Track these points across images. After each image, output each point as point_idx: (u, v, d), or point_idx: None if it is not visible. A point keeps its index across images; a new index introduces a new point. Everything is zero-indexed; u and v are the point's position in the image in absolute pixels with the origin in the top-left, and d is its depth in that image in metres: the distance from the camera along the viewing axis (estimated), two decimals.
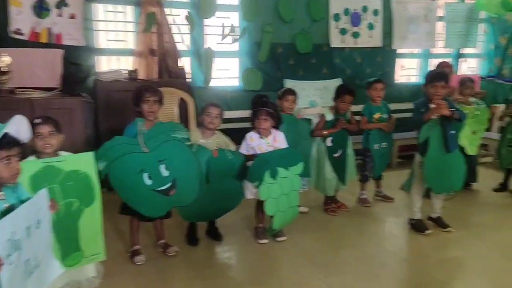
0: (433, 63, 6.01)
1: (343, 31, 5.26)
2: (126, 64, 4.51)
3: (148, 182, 2.60)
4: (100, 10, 4.36)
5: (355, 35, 5.33)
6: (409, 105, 5.22)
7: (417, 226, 3.36)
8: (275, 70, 5.06)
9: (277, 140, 3.15)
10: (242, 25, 4.78)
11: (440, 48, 5.93)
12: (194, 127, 4.13)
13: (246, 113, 4.70)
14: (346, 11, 5.23)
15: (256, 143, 3.10)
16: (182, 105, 4.26)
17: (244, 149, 3.11)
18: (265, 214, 3.17)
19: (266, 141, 3.11)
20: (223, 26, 4.67)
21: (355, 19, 5.30)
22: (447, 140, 3.12)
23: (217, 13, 4.65)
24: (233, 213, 3.19)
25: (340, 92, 3.67)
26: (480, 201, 4.08)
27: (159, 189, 2.63)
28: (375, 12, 5.37)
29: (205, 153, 2.90)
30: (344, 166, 3.68)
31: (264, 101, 3.10)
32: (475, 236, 3.29)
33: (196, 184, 2.79)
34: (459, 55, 6.09)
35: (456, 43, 5.93)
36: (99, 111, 4.07)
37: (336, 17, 5.20)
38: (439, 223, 3.41)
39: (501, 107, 4.82)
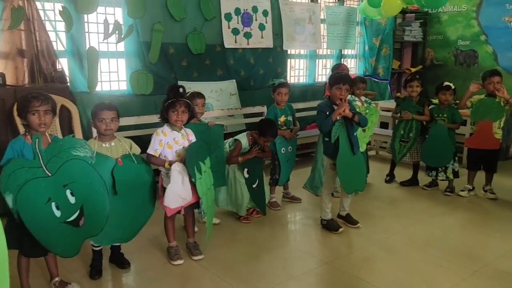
0: (319, 64, 6.29)
1: (235, 31, 5.13)
2: None
3: (57, 213, 2.21)
4: None
5: (247, 35, 5.24)
6: (301, 105, 5.46)
7: (329, 226, 3.38)
8: (167, 72, 4.71)
9: (189, 133, 2.87)
10: (128, 22, 4.34)
11: (324, 49, 6.18)
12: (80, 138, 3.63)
13: (136, 120, 4.34)
14: (237, 11, 5.12)
15: (170, 137, 2.78)
16: (64, 113, 3.68)
17: (152, 149, 2.75)
18: (174, 230, 2.90)
19: (181, 134, 2.81)
20: (106, 23, 4.16)
21: (246, 19, 5.22)
22: (352, 142, 3.19)
23: (99, 9, 4.13)
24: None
25: (275, 88, 3.73)
26: (376, 194, 4.30)
27: (69, 220, 2.24)
28: (265, 13, 5.36)
29: (108, 162, 2.49)
30: (262, 195, 3.61)
31: (182, 91, 2.78)
32: (382, 229, 3.42)
33: (105, 207, 2.42)
34: (340, 56, 6.42)
35: (337, 44, 6.24)
36: None
37: (228, 16, 5.05)
38: (349, 220, 3.48)
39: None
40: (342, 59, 6.47)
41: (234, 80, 5.20)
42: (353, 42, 6.45)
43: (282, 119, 3.80)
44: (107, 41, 4.26)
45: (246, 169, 3.49)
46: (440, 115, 4.15)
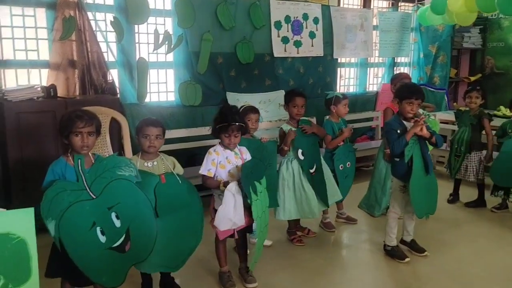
0: (371, 73, 5.99)
1: (285, 40, 4.94)
2: (39, 78, 3.71)
3: (102, 239, 2.07)
4: (4, 14, 3.52)
5: (297, 44, 5.04)
6: (350, 116, 5.19)
7: (394, 253, 3.10)
8: (215, 83, 4.57)
9: (243, 151, 2.69)
10: (177, 32, 4.23)
11: (376, 57, 5.88)
12: (130, 153, 3.52)
13: (185, 132, 4.22)
14: (287, 19, 4.92)
15: (223, 156, 2.61)
16: (114, 126, 3.59)
17: (205, 169, 2.58)
18: (226, 254, 2.72)
19: (234, 153, 2.64)
20: (156, 33, 4.06)
21: (297, 27, 5.01)
22: (426, 161, 2.91)
23: (149, 19, 4.03)
24: None
25: (290, 96, 3.33)
26: (438, 215, 3.88)
27: (114, 246, 2.10)
28: (315, 20, 5.14)
29: (151, 180, 2.33)
30: (323, 184, 3.29)
31: (234, 113, 2.61)
32: (453, 258, 3.10)
33: (152, 230, 2.28)
34: (393, 64, 6.10)
35: (389, 52, 5.92)
36: (7, 138, 3.25)
37: (278, 25, 4.87)
38: (414, 247, 3.18)
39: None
40: (395, 68, 6.14)
41: (282, 91, 4.98)
42: (407, 49, 6.10)
43: (340, 131, 3.55)
44: (157, 51, 4.17)
45: (300, 150, 3.21)
46: None
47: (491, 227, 3.70)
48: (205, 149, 4.32)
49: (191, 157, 4.29)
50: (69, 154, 2.19)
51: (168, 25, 4.25)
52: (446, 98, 6.22)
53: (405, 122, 2.98)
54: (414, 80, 6.28)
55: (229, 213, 2.48)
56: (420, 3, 6.01)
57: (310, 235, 3.45)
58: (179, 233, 2.41)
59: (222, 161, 2.59)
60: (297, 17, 4.99)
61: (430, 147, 3.31)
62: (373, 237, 3.45)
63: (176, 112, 4.35)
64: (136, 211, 2.24)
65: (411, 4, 6.13)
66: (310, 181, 3.25)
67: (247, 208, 2.51)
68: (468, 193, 4.25)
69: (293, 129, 3.25)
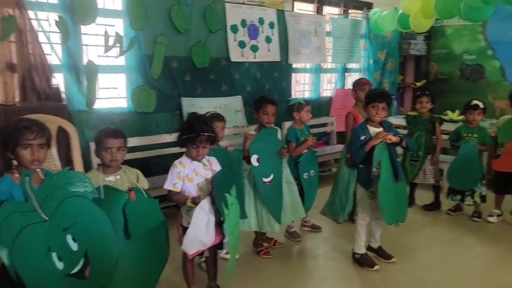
0: (325, 79, 6.02)
1: (241, 44, 4.81)
2: None
3: (60, 265, 1.82)
4: None
5: (254, 48, 4.93)
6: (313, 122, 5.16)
7: (363, 261, 3.06)
8: (170, 88, 4.34)
9: (212, 162, 2.51)
10: (129, 34, 3.96)
11: (329, 63, 5.91)
12: (80, 166, 3.22)
13: (138, 141, 3.95)
14: (244, 23, 4.80)
15: (190, 169, 2.41)
16: (61, 136, 3.26)
17: (170, 183, 2.37)
18: (194, 274, 2.54)
19: (203, 164, 2.45)
20: (106, 35, 3.77)
21: (253, 32, 4.90)
22: (396, 168, 2.89)
23: (98, 19, 3.73)
24: None
25: (260, 103, 3.18)
26: None
27: (73, 272, 1.85)
28: (271, 25, 5.06)
29: (120, 197, 2.09)
30: (278, 196, 3.17)
31: (203, 122, 2.42)
32: (420, 264, 3.11)
33: (112, 250, 2.04)
34: (345, 70, 6.17)
35: (342, 58, 5.98)
36: None
37: (234, 28, 4.73)
38: (382, 254, 3.17)
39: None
40: (346, 73, 6.22)
41: (240, 96, 4.86)
42: (357, 55, 6.20)
43: (303, 139, 3.47)
44: (107, 54, 3.87)
45: (255, 156, 3.03)
46: (470, 135, 3.89)
47: (449, 230, 3.79)
48: (161, 159, 4.20)
49: (145, 167, 4.01)
50: (14, 170, 1.92)
51: (119, 26, 3.97)
52: (396, 103, 6.39)
53: (371, 128, 2.96)
54: None
55: (200, 235, 2.31)
56: (369, 10, 6.14)
57: (276, 246, 3.34)
58: (147, 255, 2.19)
59: (190, 174, 2.40)
60: (253, 21, 4.89)
61: None
62: (340, 245, 3.41)
63: (128, 119, 4.07)
64: (94, 231, 1.99)
65: (360, 12, 6.24)
66: (263, 191, 3.08)
67: (219, 224, 2.34)
68: (423, 196, 4.35)
69: (251, 133, 3.13)
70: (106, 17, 3.90)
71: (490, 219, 3.92)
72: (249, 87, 4.96)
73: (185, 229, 2.38)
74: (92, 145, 3.63)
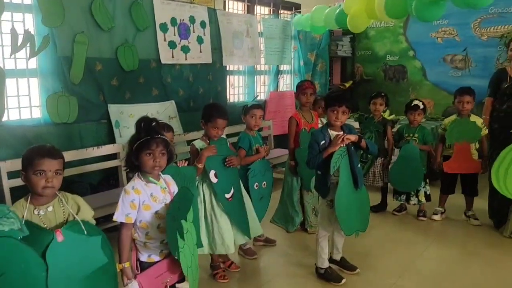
0: (260, 80, 5.80)
1: (172, 45, 4.39)
2: None
3: None
4: None
5: (185, 49, 4.54)
6: (241, 127, 4.90)
7: (328, 276, 2.85)
8: (94, 94, 3.80)
9: (169, 182, 2.12)
10: (42, 32, 3.37)
11: (262, 65, 5.71)
12: None
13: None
14: (173, 21, 4.39)
15: (146, 194, 1.99)
16: None
17: (121, 214, 1.94)
18: None
19: (160, 186, 2.04)
20: (13, 32, 3.15)
21: (184, 31, 4.51)
22: (355, 175, 2.72)
23: (4, 15, 3.10)
24: None
25: (209, 116, 2.82)
26: None
27: None
28: (203, 24, 4.71)
29: (42, 238, 1.64)
30: (242, 210, 2.89)
31: (156, 126, 2.00)
32: (384, 272, 2.99)
33: None
34: (278, 72, 6.01)
35: (274, 59, 5.81)
36: None
37: (163, 27, 4.30)
38: (345, 265, 2.99)
39: None
40: (279, 76, 6.07)
41: (173, 101, 4.44)
42: (288, 57, 6.08)
43: (256, 148, 3.20)
44: (15, 56, 3.25)
45: (213, 171, 2.75)
46: (411, 135, 3.91)
47: (399, 231, 3.76)
48: (86, 177, 3.64)
49: (67, 187, 3.44)
50: None
51: (29, 22, 3.36)
52: None
53: (332, 133, 2.77)
54: (294, 88, 6.30)
55: None
56: (298, 11, 6.06)
57: (232, 269, 3.00)
58: None
59: (146, 200, 1.98)
60: (183, 19, 4.50)
61: None
62: (300, 259, 3.18)
63: (45, 131, 3.48)
64: (28, 280, 1.56)
65: (289, 12, 6.14)
66: (226, 208, 2.81)
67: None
68: (370, 198, 4.28)
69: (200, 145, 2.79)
70: (14, 12, 3.27)
71: (435, 217, 3.97)
72: (182, 91, 4.56)
73: (143, 265, 1.97)
74: (2, 166, 3.04)
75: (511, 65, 3.88)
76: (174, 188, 2.10)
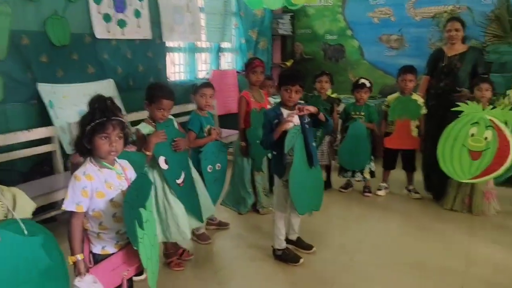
0: (200, 58, 5.57)
1: (106, 18, 4.04)
2: None
3: None
4: None
5: (121, 23, 4.20)
6: (187, 108, 4.71)
7: (286, 257, 2.82)
8: (21, 71, 3.39)
9: (126, 167, 1.93)
10: None
11: (204, 42, 5.48)
12: None
13: None
14: None
15: (100, 180, 1.79)
16: None
17: (71, 202, 1.73)
18: None
19: (116, 171, 1.85)
20: None
21: (119, 3, 4.16)
22: (310, 153, 2.68)
23: None
24: None
25: (154, 96, 2.60)
26: None
27: None
28: None
29: None
30: (194, 194, 2.75)
31: (110, 104, 1.79)
32: (339, 249, 3.02)
33: None
34: (219, 49, 5.82)
35: (216, 37, 5.60)
36: None
37: None
38: (301, 244, 2.98)
39: None
40: (220, 53, 5.89)
41: (111, 80, 4.12)
42: (229, 34, 5.89)
43: (208, 128, 3.05)
44: None
45: (162, 158, 2.58)
46: (358, 113, 3.96)
47: (348, 208, 3.83)
48: (15, 164, 3.28)
49: None
50: None
51: None
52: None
53: (285, 112, 2.70)
54: (238, 66, 6.18)
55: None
56: None
57: (185, 257, 2.86)
58: None
59: (99, 187, 1.78)
60: None
61: None
62: (255, 241, 3.13)
63: None
64: None
65: None
66: (178, 194, 2.66)
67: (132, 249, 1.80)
68: None
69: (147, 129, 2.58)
70: None
71: (379, 192, 4.10)
72: (120, 69, 4.24)
73: (96, 258, 1.79)
74: None
75: (447, 45, 4.04)
76: (131, 174, 1.91)
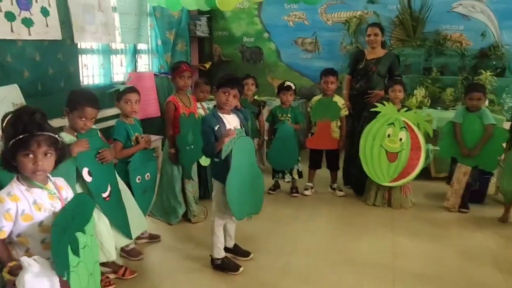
0: (116, 61, 5.25)
1: (10, 16, 3.62)
2: None
3: None
4: None
5: (27, 22, 3.79)
6: (104, 113, 4.39)
7: (226, 266, 2.76)
8: None
9: (60, 186, 1.72)
10: None
11: (119, 43, 5.18)
12: None
13: None
14: None
15: (27, 201, 1.58)
16: None
17: None
18: None
19: (48, 191, 1.64)
20: None
21: (24, 0, 3.76)
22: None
23: None
24: None
25: (76, 103, 2.40)
26: None
27: None
28: None
29: None
30: (121, 209, 2.57)
31: (39, 118, 1.59)
32: (275, 253, 3.02)
33: None
34: (135, 51, 5.54)
35: (131, 37, 5.33)
36: None
37: None
38: (239, 251, 2.94)
39: None
40: (137, 55, 5.62)
41: (16, 85, 3.68)
42: (145, 35, 5.65)
43: (135, 137, 2.86)
44: None
45: (86, 169, 2.40)
46: (284, 115, 4.02)
47: (278, 210, 3.86)
48: None
49: None
50: None
51: None
52: None
53: (223, 116, 2.65)
54: (154, 68, 5.95)
55: None
56: None
57: (128, 276, 2.65)
58: None
59: (27, 209, 1.56)
60: None
61: None
62: (190, 252, 3.01)
63: None
64: None
65: None
66: (104, 209, 2.47)
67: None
68: None
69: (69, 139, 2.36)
70: None
71: (306, 192, 4.20)
72: (27, 72, 3.82)
73: None
74: None
75: (368, 49, 4.26)
76: (68, 194, 1.71)
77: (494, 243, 3.22)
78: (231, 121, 2.64)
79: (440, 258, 2.98)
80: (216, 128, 2.58)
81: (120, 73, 5.34)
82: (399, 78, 4.04)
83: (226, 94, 2.60)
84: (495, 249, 3.13)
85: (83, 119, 2.39)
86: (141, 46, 5.66)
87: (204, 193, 3.77)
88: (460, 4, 5.73)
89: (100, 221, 2.37)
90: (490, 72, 5.00)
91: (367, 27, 4.36)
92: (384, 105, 3.71)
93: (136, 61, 5.59)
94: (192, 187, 3.51)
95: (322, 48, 6.39)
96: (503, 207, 3.68)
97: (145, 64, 5.83)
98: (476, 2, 5.64)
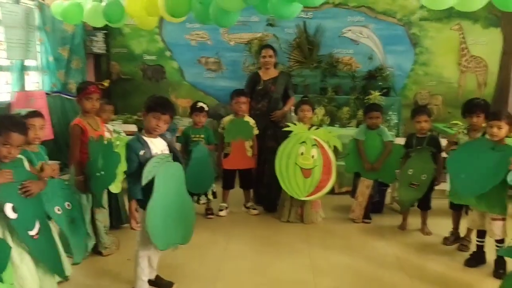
0: (1, 79, 4.67)
1: None
2: None
3: None
4: None
5: None
6: None
7: None
8: None
9: None
10: None
11: (4, 59, 4.63)
12: None
13: None
14: None
15: None
16: None
17: None
18: None
19: None
20: None
21: None
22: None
23: None
24: None
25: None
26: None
27: None
28: None
29: None
30: (53, 248, 2.38)
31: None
32: (202, 281, 2.91)
33: None
34: (22, 68, 5.00)
35: (17, 53, 4.81)
36: None
37: None
38: (161, 283, 2.78)
39: None
40: (25, 72, 5.07)
41: None
42: (33, 50, 5.14)
43: (40, 166, 2.55)
44: None
45: (10, 205, 2.13)
46: (198, 136, 3.95)
47: (195, 233, 3.67)
48: None
49: None
50: None
51: None
52: None
53: (149, 140, 2.52)
54: (46, 87, 5.43)
55: None
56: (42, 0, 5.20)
57: None
58: None
59: None
60: None
61: None
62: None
63: None
64: None
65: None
66: (32, 248, 2.21)
67: None
68: None
69: None
70: None
71: (221, 213, 4.16)
72: None
73: None
74: None
75: (262, 70, 4.41)
76: None
77: (398, 250, 3.51)
78: (158, 145, 2.53)
79: (355, 269, 3.15)
80: (141, 153, 2.44)
81: (5, 92, 4.77)
82: (306, 98, 4.25)
83: (157, 118, 2.49)
84: (400, 256, 3.41)
85: (7, 146, 2.09)
86: (29, 63, 5.13)
87: (116, 223, 3.50)
88: (350, 30, 6.25)
89: (22, 264, 2.09)
90: (378, 92, 5.51)
91: (260, 49, 4.53)
92: (295, 124, 3.86)
93: (23, 79, 5.03)
94: (103, 217, 3.24)
95: (226, 68, 6.44)
96: (400, 216, 4.05)
97: (34, 82, 5.29)
98: (363, 28, 6.21)
